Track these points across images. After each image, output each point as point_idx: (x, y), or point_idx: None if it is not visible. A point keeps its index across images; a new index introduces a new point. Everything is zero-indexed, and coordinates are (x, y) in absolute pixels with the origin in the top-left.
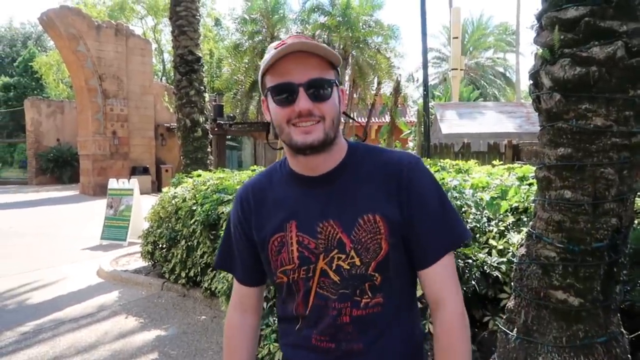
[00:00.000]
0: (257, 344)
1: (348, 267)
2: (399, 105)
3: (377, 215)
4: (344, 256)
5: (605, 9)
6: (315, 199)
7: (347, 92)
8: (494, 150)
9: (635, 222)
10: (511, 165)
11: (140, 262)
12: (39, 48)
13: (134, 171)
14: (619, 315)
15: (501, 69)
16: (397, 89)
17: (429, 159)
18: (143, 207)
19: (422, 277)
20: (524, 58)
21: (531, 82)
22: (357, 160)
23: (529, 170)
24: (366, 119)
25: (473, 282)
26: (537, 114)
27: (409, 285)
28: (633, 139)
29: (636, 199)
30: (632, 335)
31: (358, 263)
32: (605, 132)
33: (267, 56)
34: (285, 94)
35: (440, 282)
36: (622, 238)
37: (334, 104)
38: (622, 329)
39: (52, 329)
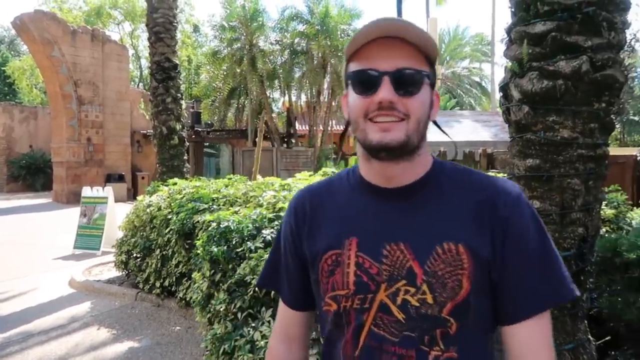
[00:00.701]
0: None
1: (417, 304)
2: None
3: (461, 246)
4: (413, 289)
5: (571, 25)
6: (386, 215)
7: (327, 99)
8: (469, 158)
9: (603, 230)
10: None
11: (113, 272)
12: (12, 52)
13: (109, 178)
14: (586, 322)
15: (477, 79)
16: None
17: None
18: (118, 215)
19: (507, 336)
20: (499, 68)
21: (501, 94)
22: (443, 179)
23: None
24: (344, 127)
25: None
26: None
27: (489, 341)
28: (598, 151)
29: (602, 208)
30: (600, 342)
31: (430, 301)
32: (572, 144)
33: (353, 38)
34: (366, 81)
35: (528, 345)
36: (589, 247)
37: (423, 102)
38: (590, 336)
39: (20, 342)
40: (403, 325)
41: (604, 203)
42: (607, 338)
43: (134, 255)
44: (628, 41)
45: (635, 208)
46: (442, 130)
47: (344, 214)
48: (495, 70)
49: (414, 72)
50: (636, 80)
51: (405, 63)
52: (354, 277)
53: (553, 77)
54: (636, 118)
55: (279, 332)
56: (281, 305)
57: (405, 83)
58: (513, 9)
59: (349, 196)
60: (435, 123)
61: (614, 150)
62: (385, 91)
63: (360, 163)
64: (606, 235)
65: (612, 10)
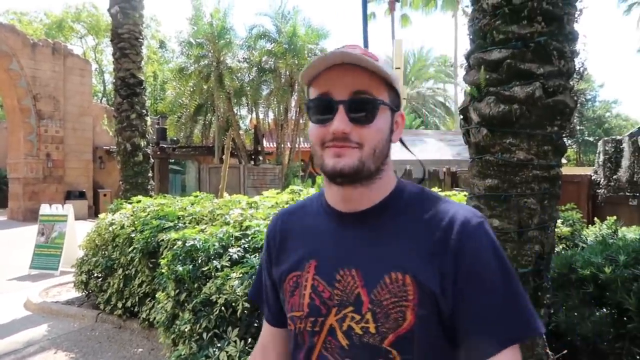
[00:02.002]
0: None
1: (360, 333)
2: None
3: (408, 277)
4: (358, 317)
5: (525, 53)
6: (342, 240)
7: (294, 117)
8: (433, 177)
9: (560, 248)
10: (449, 193)
11: (73, 293)
12: None
13: (69, 195)
14: (544, 337)
15: (441, 99)
16: None
17: None
18: (78, 233)
19: None
20: (462, 89)
21: (461, 117)
22: (402, 204)
23: (463, 198)
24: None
25: None
26: None
27: None
28: (552, 172)
29: (558, 226)
30: (558, 355)
31: (372, 330)
32: (527, 165)
33: (309, 65)
34: (322, 110)
35: None
36: (545, 264)
37: (380, 129)
38: (548, 350)
39: None
40: (346, 351)
41: (559, 221)
42: (564, 352)
43: (95, 275)
44: (577, 69)
45: (590, 226)
46: (409, 149)
47: (308, 237)
48: (458, 91)
49: (369, 100)
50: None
51: (362, 88)
52: (308, 300)
53: (509, 101)
54: (591, 139)
55: (259, 343)
56: (264, 320)
57: (361, 111)
58: (471, 37)
59: (315, 220)
60: (402, 142)
61: (570, 170)
62: (339, 122)
63: (325, 187)
64: (562, 252)
65: (562, 40)
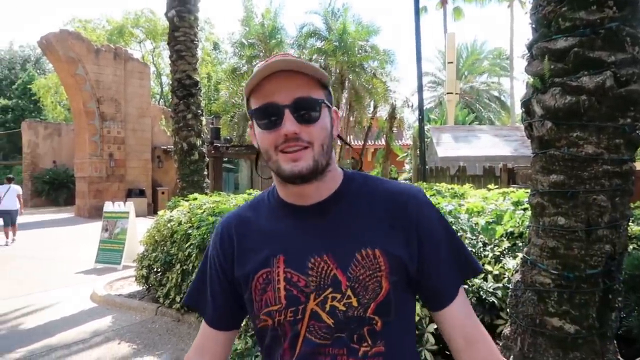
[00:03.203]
0: None
1: (344, 309)
2: (395, 129)
3: (377, 250)
4: (339, 296)
5: (594, 40)
6: (307, 231)
7: (345, 114)
8: (489, 173)
9: (630, 247)
10: (506, 190)
11: (134, 286)
12: (37, 71)
13: (130, 193)
14: (615, 342)
15: (496, 93)
16: (392, 114)
17: (424, 183)
18: (138, 230)
19: (442, 317)
20: (518, 82)
21: (523, 109)
22: (355, 189)
23: (524, 195)
24: (362, 142)
25: None
26: None
27: (412, 331)
28: (624, 167)
29: (629, 225)
30: None
31: (355, 304)
32: (597, 160)
33: (250, 78)
34: (269, 116)
35: (465, 319)
36: (616, 265)
37: (324, 126)
38: (619, 356)
39: (43, 356)
40: (333, 329)
41: (631, 220)
42: (637, 359)
43: (155, 269)
44: None
45: None
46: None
47: (269, 235)
48: (514, 84)
49: (311, 101)
50: None
51: (302, 93)
52: (284, 292)
53: (576, 92)
54: None
55: (196, 345)
56: (203, 324)
57: (305, 112)
58: (534, 25)
59: (272, 217)
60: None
61: None
62: (289, 124)
63: (277, 186)
64: (634, 252)
65: (636, 25)
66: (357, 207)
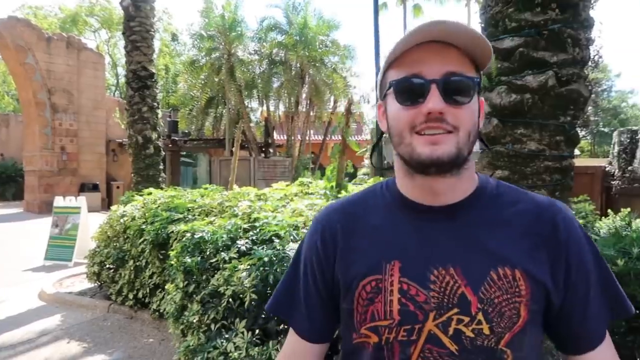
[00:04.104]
0: None
1: (472, 335)
2: (355, 124)
3: (517, 271)
4: (467, 319)
5: (538, 41)
6: (432, 236)
7: (305, 109)
8: None
9: None
10: None
11: (85, 284)
12: None
13: (83, 188)
14: None
15: None
16: (348, 109)
17: (381, 177)
18: (91, 225)
19: None
20: None
21: None
22: (489, 196)
23: None
24: (322, 137)
25: None
26: None
27: None
28: (564, 162)
29: None
30: None
31: (487, 332)
32: (539, 156)
33: (395, 45)
34: (412, 90)
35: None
36: None
37: (474, 112)
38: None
39: None
40: (456, 357)
41: (572, 213)
42: None
43: (107, 266)
44: (592, 57)
45: (603, 218)
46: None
47: (382, 235)
48: None
49: (464, 79)
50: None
51: (454, 69)
52: (399, 306)
53: (521, 91)
54: (606, 130)
55: (284, 355)
56: (291, 335)
57: (455, 91)
58: (483, 25)
59: (387, 214)
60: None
61: (583, 161)
62: (435, 101)
63: (399, 178)
64: None
65: (577, 27)
66: (494, 216)
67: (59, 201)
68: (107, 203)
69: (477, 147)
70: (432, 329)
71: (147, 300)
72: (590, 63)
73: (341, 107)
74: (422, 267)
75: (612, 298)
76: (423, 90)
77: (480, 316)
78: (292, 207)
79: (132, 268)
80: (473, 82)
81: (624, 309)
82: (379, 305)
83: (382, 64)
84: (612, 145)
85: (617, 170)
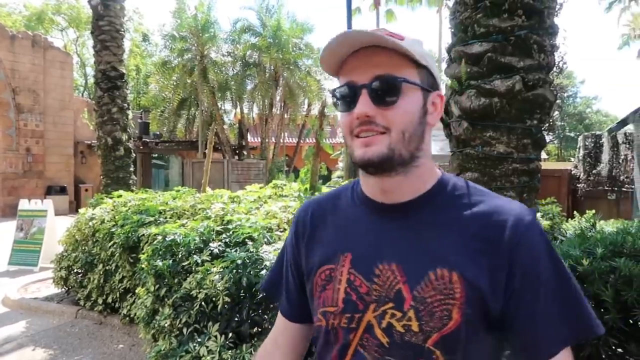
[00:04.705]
0: None
1: (402, 331)
2: (329, 127)
3: (454, 274)
4: (399, 314)
5: (505, 46)
6: (382, 233)
7: (279, 112)
8: None
9: None
10: None
11: (52, 289)
12: None
13: (50, 190)
14: None
15: None
16: (322, 112)
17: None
18: (58, 229)
19: None
20: (444, 83)
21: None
22: (447, 197)
23: None
24: (296, 140)
25: None
26: None
27: None
28: (531, 165)
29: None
30: None
31: (415, 329)
32: (507, 158)
33: (326, 52)
34: (345, 97)
35: None
36: None
37: (407, 111)
38: None
39: None
40: (386, 349)
41: (539, 215)
42: None
43: (75, 270)
44: (557, 63)
45: (569, 219)
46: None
47: (342, 229)
48: (443, 87)
49: (390, 79)
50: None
51: (383, 71)
52: (344, 295)
53: (489, 95)
54: (572, 134)
55: (270, 337)
56: (279, 314)
57: (383, 93)
58: (453, 30)
59: (349, 210)
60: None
61: (551, 165)
62: (361, 105)
63: (360, 178)
64: None
65: (542, 34)
66: (442, 218)
67: (24, 204)
68: (75, 206)
69: (447, 149)
70: (371, 319)
71: (117, 305)
72: (555, 69)
73: (315, 110)
74: (370, 261)
75: (574, 315)
76: (354, 96)
77: (411, 313)
78: (265, 209)
79: (101, 272)
80: (399, 80)
81: (589, 328)
82: (329, 292)
83: None
84: (577, 149)
85: (582, 174)
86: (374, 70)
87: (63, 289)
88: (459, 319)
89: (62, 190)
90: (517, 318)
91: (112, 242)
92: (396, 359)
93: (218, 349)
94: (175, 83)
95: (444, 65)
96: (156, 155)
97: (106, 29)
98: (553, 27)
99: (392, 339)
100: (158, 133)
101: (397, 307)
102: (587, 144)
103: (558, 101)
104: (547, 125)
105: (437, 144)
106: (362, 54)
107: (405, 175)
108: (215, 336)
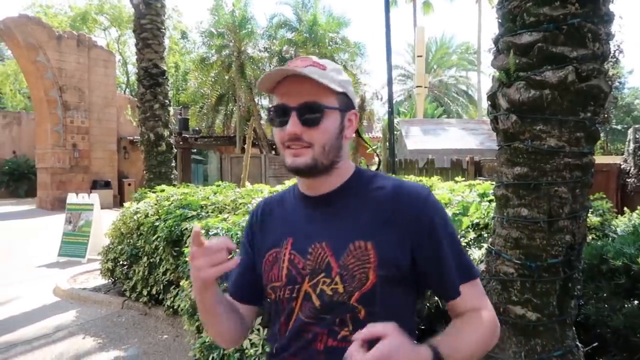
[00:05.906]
0: (238, 326)
1: (331, 293)
2: (366, 122)
3: (369, 243)
4: (328, 280)
5: (557, 36)
6: (314, 219)
7: None
8: (456, 166)
9: (589, 238)
10: (472, 182)
11: (99, 280)
12: None
13: (95, 185)
14: (574, 329)
15: (464, 87)
16: (361, 106)
17: (394, 175)
18: (104, 222)
19: (452, 308)
20: (485, 76)
21: (489, 103)
22: (361, 185)
23: (489, 187)
24: None
25: (436, 298)
26: None
27: (402, 325)
28: (584, 159)
29: (588, 216)
30: (587, 348)
31: (341, 290)
32: (559, 153)
33: (265, 77)
34: (280, 116)
35: (473, 299)
36: (576, 254)
37: (327, 130)
38: (578, 342)
39: (2, 352)
40: (319, 310)
41: (589, 211)
42: (594, 344)
43: (121, 262)
44: (612, 52)
45: (619, 216)
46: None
47: (286, 219)
48: (482, 79)
49: (314, 106)
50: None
51: (309, 99)
52: (286, 271)
53: (540, 87)
54: (619, 127)
55: None
56: (227, 296)
57: (308, 116)
58: (500, 20)
59: (291, 205)
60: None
61: (598, 159)
62: (291, 126)
63: (297, 178)
64: (592, 242)
65: (597, 22)
66: (359, 201)
67: (72, 198)
68: (119, 200)
69: (495, 144)
70: (307, 289)
71: (161, 296)
72: (610, 58)
73: None
74: (305, 242)
75: (464, 267)
76: (286, 116)
77: (337, 278)
78: None
79: (145, 265)
80: (321, 107)
81: (472, 273)
82: (276, 270)
83: (394, 60)
84: (627, 142)
85: (632, 168)
86: (302, 96)
87: (110, 280)
88: (374, 279)
89: (107, 185)
90: (422, 271)
91: (155, 236)
92: (328, 315)
93: (261, 342)
94: (213, 79)
95: (484, 58)
96: (195, 150)
97: (148, 27)
98: (609, 15)
99: (322, 301)
100: (197, 129)
101: (327, 275)
102: (637, 136)
103: (613, 92)
104: (601, 117)
105: (477, 138)
106: (294, 81)
107: (328, 175)
108: (259, 329)
